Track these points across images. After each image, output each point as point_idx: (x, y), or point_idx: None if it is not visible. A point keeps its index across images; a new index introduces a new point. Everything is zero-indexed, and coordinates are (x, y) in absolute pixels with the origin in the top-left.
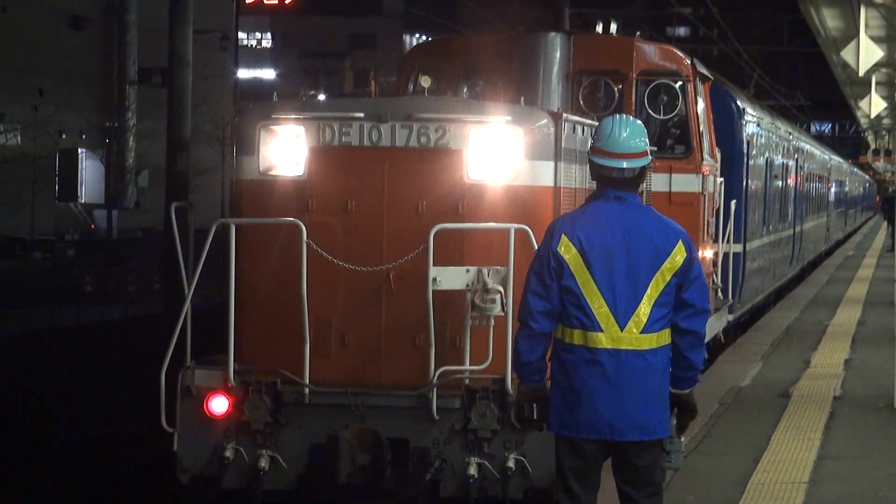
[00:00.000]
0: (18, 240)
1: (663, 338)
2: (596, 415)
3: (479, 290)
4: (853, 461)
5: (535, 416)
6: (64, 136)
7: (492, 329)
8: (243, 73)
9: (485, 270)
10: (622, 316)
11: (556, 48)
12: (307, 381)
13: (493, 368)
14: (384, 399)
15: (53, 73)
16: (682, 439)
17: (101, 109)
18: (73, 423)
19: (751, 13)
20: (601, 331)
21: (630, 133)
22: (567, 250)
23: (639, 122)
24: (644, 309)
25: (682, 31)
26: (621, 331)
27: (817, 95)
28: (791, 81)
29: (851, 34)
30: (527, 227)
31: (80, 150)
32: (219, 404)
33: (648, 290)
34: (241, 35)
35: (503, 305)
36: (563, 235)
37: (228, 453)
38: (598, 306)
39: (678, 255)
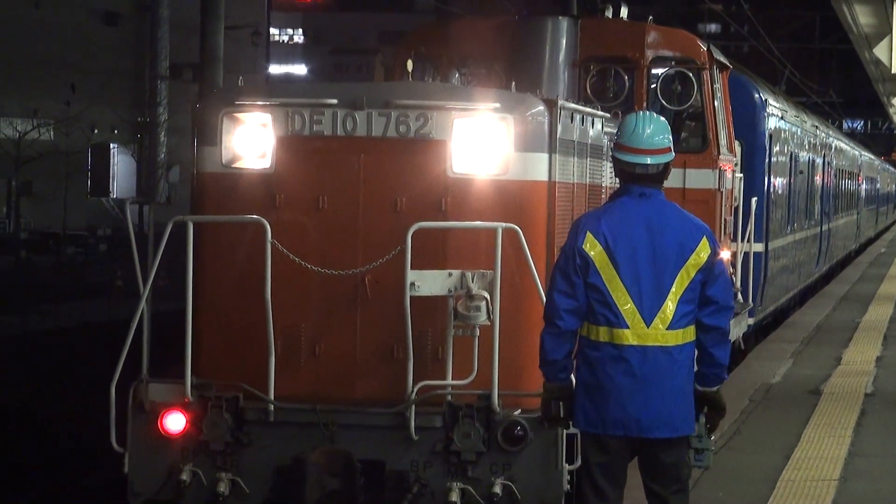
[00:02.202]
0: (51, 235)
1: (689, 334)
2: (623, 411)
3: (462, 296)
4: (884, 458)
5: (561, 415)
6: (96, 131)
7: (477, 340)
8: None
9: (469, 274)
10: (648, 312)
11: (561, 33)
12: (272, 397)
13: (477, 383)
14: (356, 417)
15: (86, 68)
16: (713, 438)
17: (132, 105)
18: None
19: (782, 10)
20: (627, 327)
21: (654, 129)
22: (592, 247)
23: (662, 118)
24: (670, 305)
25: (713, 27)
26: (647, 327)
27: (849, 92)
28: (823, 78)
29: (884, 31)
30: (516, 227)
31: (111, 146)
32: (174, 422)
33: (674, 287)
34: (273, 31)
35: (489, 313)
36: (588, 233)
37: (185, 476)
38: (624, 303)
39: (703, 252)
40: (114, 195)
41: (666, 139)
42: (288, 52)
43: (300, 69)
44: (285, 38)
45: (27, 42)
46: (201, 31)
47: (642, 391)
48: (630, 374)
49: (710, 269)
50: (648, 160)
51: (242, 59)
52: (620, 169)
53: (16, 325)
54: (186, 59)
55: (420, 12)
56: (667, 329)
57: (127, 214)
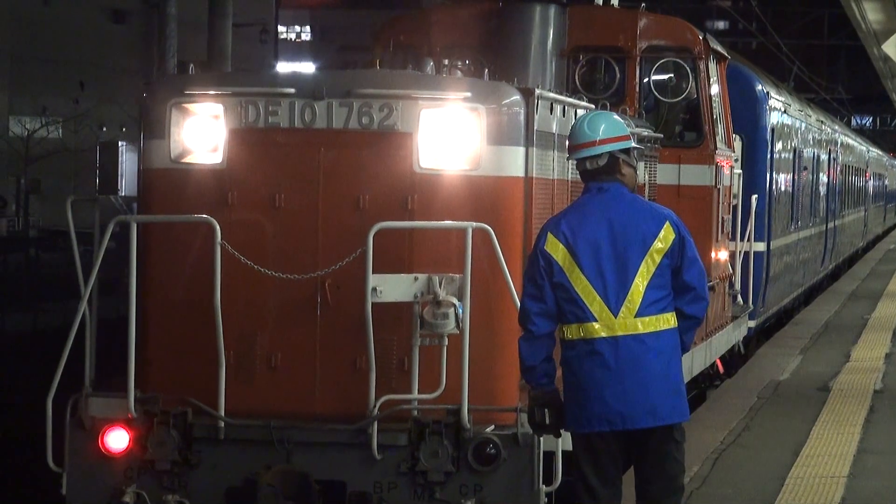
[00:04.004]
0: (60, 233)
1: (663, 321)
2: (605, 406)
3: (429, 302)
4: (893, 455)
5: (547, 421)
6: (104, 129)
7: (445, 350)
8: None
9: (436, 279)
10: (614, 303)
11: (549, 21)
12: (223, 413)
13: (446, 397)
14: (314, 434)
15: (94, 66)
16: None
17: None
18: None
19: (790, 6)
20: (595, 320)
21: (591, 121)
22: (554, 248)
23: (607, 112)
24: (636, 292)
25: (721, 24)
26: (615, 317)
27: (858, 89)
28: (831, 75)
29: (892, 27)
30: (487, 227)
31: (120, 144)
32: (117, 439)
33: (639, 275)
34: (281, 28)
35: (458, 321)
36: (548, 234)
37: (128, 498)
38: (590, 296)
39: (667, 237)
40: (122, 193)
41: (609, 128)
42: (296, 50)
43: (308, 67)
44: (293, 36)
45: (36, 40)
46: (209, 29)
47: (620, 383)
48: (605, 367)
49: (680, 252)
50: (583, 152)
51: (251, 56)
52: (580, 171)
53: (25, 323)
54: (195, 56)
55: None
56: (635, 317)
57: (68, 213)
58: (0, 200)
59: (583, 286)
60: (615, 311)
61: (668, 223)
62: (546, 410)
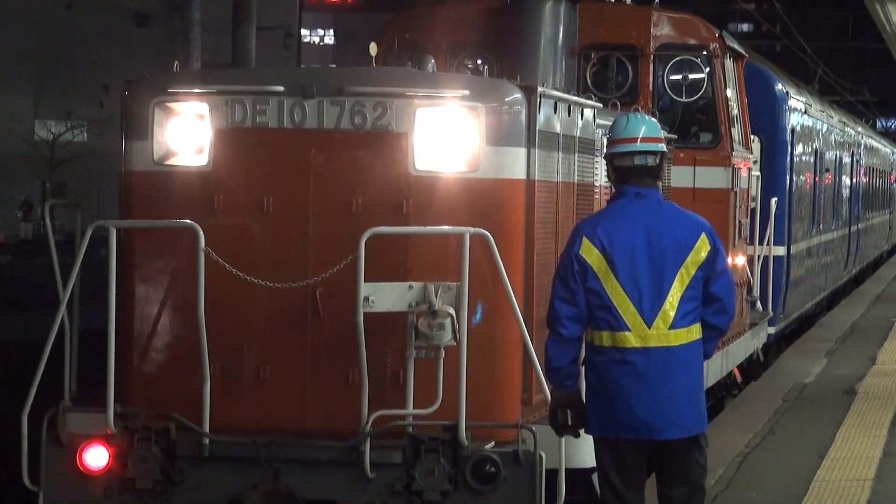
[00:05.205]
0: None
1: (693, 333)
2: (632, 415)
3: (424, 312)
4: None
5: (569, 423)
6: None
7: (441, 362)
8: None
9: (432, 287)
10: (648, 313)
11: (558, 18)
12: (207, 429)
13: (442, 413)
14: (304, 451)
15: (118, 69)
16: None
17: None
18: None
19: (815, 8)
20: (629, 330)
21: (647, 123)
22: (589, 252)
23: (653, 119)
24: (671, 304)
25: (745, 26)
26: (649, 328)
27: (884, 91)
28: (856, 77)
29: None
30: (486, 232)
31: None
32: (96, 457)
33: (674, 286)
34: (304, 32)
35: (455, 332)
36: (584, 238)
37: None
38: (624, 306)
39: (702, 249)
40: None
41: (658, 131)
42: (319, 53)
43: None
44: (316, 40)
45: (60, 44)
46: (233, 33)
47: (649, 393)
48: (635, 377)
49: (712, 265)
50: (638, 145)
51: (274, 60)
52: (615, 168)
53: (48, 328)
54: (218, 60)
55: None
56: (669, 329)
57: (46, 217)
58: (26, 204)
59: (617, 294)
60: (649, 322)
61: (704, 234)
62: (568, 411)
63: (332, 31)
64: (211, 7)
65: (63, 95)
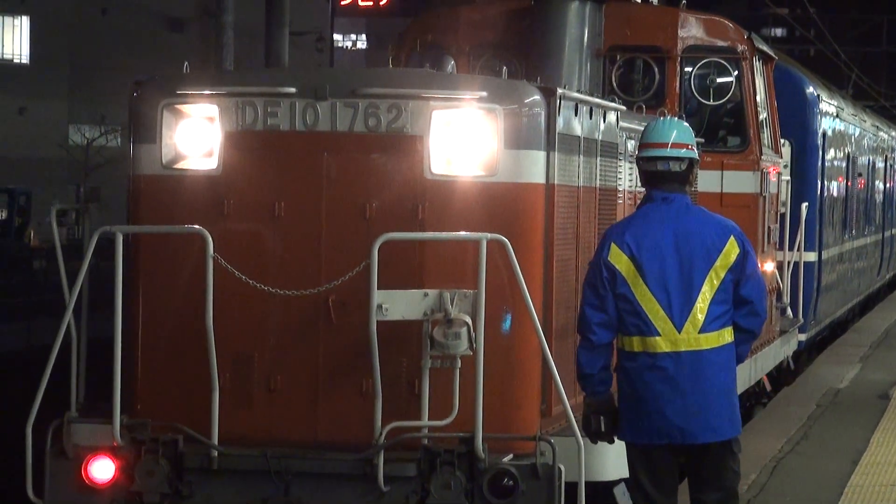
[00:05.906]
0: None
1: (724, 336)
2: (665, 420)
3: (440, 321)
4: None
5: (602, 429)
6: None
7: (458, 372)
8: None
9: (447, 295)
10: (678, 318)
11: (583, 19)
12: (216, 440)
13: (458, 424)
14: (315, 464)
15: (152, 74)
16: None
17: None
18: None
19: (848, 13)
20: (659, 335)
21: (678, 126)
22: (618, 258)
23: (686, 124)
24: (700, 308)
25: (778, 31)
26: (679, 332)
27: None
28: (891, 82)
29: None
30: (503, 238)
31: None
32: (102, 469)
33: (703, 290)
34: (337, 36)
35: (471, 342)
36: (612, 244)
37: None
38: (654, 311)
39: (731, 252)
40: None
41: (689, 137)
42: (352, 58)
43: None
44: (349, 44)
45: (95, 49)
46: (266, 37)
47: (680, 397)
48: (666, 382)
49: (742, 268)
50: (668, 151)
51: (307, 65)
52: (644, 171)
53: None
54: (251, 64)
55: None
56: (699, 333)
57: (53, 223)
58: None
59: (647, 300)
60: (679, 327)
61: (732, 237)
62: (602, 418)
63: (364, 36)
64: (244, 12)
65: (97, 100)
